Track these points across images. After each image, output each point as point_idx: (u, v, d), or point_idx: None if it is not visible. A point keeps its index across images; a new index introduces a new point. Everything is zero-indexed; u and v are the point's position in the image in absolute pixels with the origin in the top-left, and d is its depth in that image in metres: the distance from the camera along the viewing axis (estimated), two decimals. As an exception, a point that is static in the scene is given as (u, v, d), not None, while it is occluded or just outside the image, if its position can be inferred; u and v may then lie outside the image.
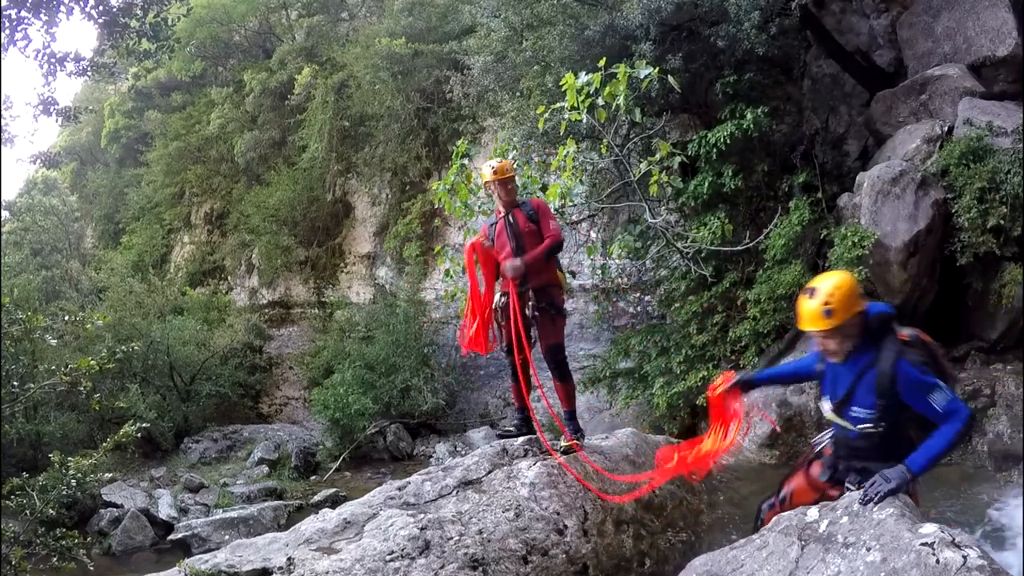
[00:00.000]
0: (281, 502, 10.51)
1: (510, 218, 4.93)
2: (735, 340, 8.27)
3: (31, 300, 13.62)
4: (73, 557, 4.45)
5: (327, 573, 3.49)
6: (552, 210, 6.93)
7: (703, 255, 8.19)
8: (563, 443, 4.75)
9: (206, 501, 10.90)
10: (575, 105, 6.51)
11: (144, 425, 5.17)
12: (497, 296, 5.00)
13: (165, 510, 10.26)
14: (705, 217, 8.37)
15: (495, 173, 4.95)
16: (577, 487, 4.32)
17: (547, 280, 4.83)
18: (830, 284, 3.21)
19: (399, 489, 4.33)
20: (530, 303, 4.80)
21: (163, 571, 3.77)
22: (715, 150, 8.29)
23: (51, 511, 4.47)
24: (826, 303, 3.16)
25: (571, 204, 8.70)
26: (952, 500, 6.33)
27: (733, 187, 8.38)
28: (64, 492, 4.68)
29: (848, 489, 3.37)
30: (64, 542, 4.40)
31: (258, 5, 20.08)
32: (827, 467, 3.58)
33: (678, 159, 7.51)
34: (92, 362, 4.64)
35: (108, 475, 5.85)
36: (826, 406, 3.43)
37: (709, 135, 8.36)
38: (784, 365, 3.81)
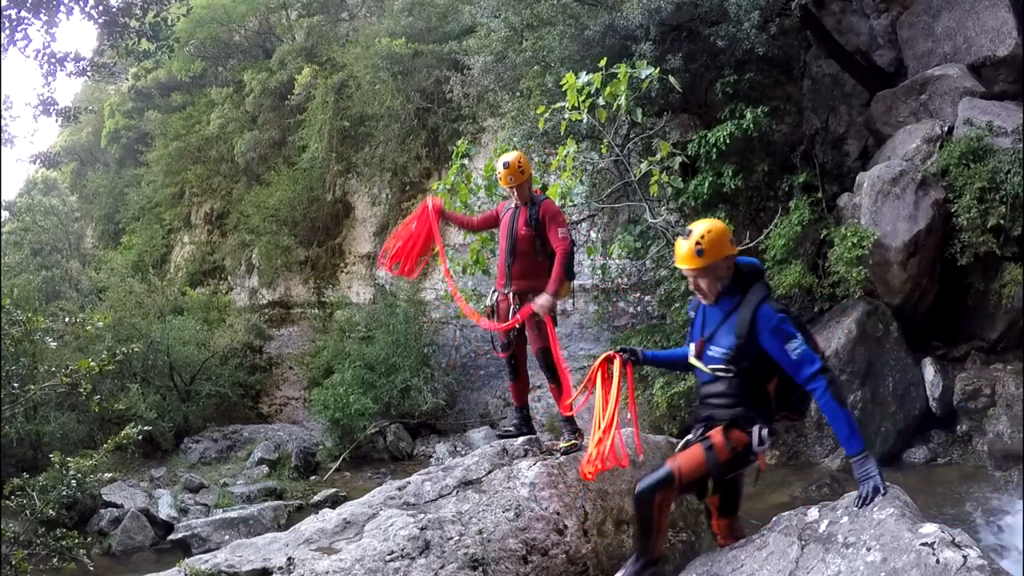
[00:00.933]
0: (281, 502, 10.51)
1: (516, 214, 4.83)
2: (735, 340, 8.26)
3: (31, 300, 13.62)
4: (73, 557, 4.45)
5: (327, 573, 3.49)
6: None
7: (703, 255, 8.18)
8: (563, 444, 4.75)
9: (206, 501, 10.90)
10: (575, 105, 6.51)
11: (146, 428, 5.17)
12: (491, 294, 4.99)
13: (165, 510, 10.26)
14: (705, 217, 8.37)
15: (501, 180, 4.80)
16: (577, 487, 4.31)
17: (532, 286, 4.68)
18: (703, 227, 3.34)
19: (399, 489, 4.32)
20: (512, 307, 4.77)
21: (163, 571, 3.76)
22: (715, 150, 8.29)
23: (51, 511, 4.47)
24: (697, 243, 3.28)
25: (571, 204, 8.69)
26: (952, 500, 6.34)
27: (733, 187, 8.38)
28: (64, 492, 4.68)
29: (690, 440, 3.39)
30: (64, 542, 4.40)
31: (258, 5, 20.08)
32: (694, 424, 3.55)
33: (678, 159, 7.52)
34: (92, 364, 4.64)
35: (108, 475, 5.86)
36: (691, 349, 3.51)
37: (709, 135, 8.37)
38: (675, 350, 3.84)
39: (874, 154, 9.01)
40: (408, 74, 14.47)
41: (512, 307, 4.79)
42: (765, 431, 3.30)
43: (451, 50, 14.12)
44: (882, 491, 2.99)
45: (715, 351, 3.35)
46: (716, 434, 3.30)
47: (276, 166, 17.70)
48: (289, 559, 3.59)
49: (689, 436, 3.47)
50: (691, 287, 3.49)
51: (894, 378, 7.56)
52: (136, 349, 6.70)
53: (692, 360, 3.48)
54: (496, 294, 4.93)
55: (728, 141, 8.19)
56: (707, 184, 8.50)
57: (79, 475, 4.61)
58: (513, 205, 4.88)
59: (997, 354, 7.64)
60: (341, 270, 16.94)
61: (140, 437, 4.89)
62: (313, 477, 12.09)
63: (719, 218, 8.01)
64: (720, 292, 3.37)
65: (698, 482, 3.33)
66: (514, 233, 4.79)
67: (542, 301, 4.59)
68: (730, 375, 3.31)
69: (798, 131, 9.49)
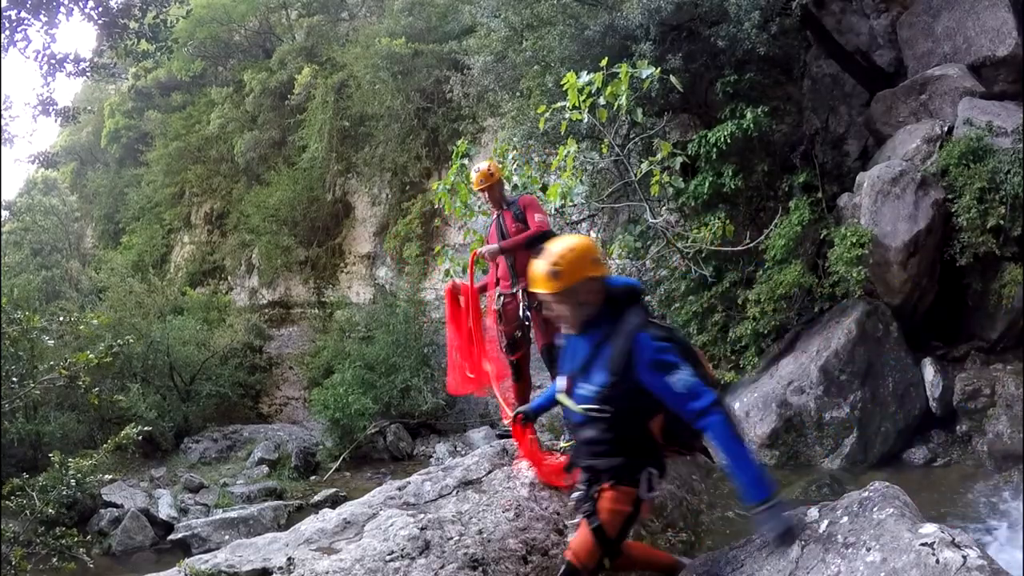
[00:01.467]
0: (281, 502, 10.51)
1: (500, 219, 4.99)
2: (735, 340, 8.27)
3: (31, 300, 13.63)
4: (73, 556, 4.45)
5: (327, 573, 3.48)
6: (552, 209, 6.97)
7: (703, 255, 8.20)
8: (563, 443, 4.76)
9: (206, 501, 10.91)
10: (576, 105, 6.50)
11: (146, 429, 5.19)
12: (497, 299, 5.02)
13: (165, 510, 10.26)
14: (705, 217, 8.37)
15: (474, 185, 5.09)
16: (577, 487, 4.32)
17: None
18: (562, 246, 2.94)
19: (399, 489, 4.32)
20: (522, 303, 4.80)
21: (163, 571, 3.75)
22: (715, 150, 8.29)
23: (51, 511, 4.48)
24: (554, 264, 2.88)
25: (571, 204, 8.69)
26: (952, 500, 6.34)
27: (733, 187, 8.37)
28: (64, 492, 4.69)
29: (577, 492, 3.09)
30: (64, 541, 4.40)
31: (258, 5, 20.10)
32: (575, 465, 3.21)
33: (679, 159, 7.51)
34: (90, 356, 4.65)
35: (108, 476, 5.87)
36: (559, 384, 3.08)
37: (709, 135, 8.37)
38: (549, 391, 3.41)
39: (874, 154, 9.01)
40: (408, 74, 14.48)
41: (521, 305, 4.84)
42: (655, 476, 2.96)
43: (451, 50, 14.13)
44: (796, 534, 2.81)
45: (586, 389, 2.89)
46: (603, 506, 2.94)
47: (276, 166, 17.72)
48: (289, 559, 3.59)
49: (575, 495, 3.14)
50: (547, 313, 3.15)
51: (894, 378, 7.55)
52: (132, 342, 6.70)
53: (560, 398, 3.05)
54: (502, 297, 4.96)
55: (728, 141, 8.18)
56: (707, 184, 8.49)
57: (79, 475, 4.61)
58: (494, 215, 5.07)
59: (997, 354, 7.63)
60: (341, 270, 16.95)
61: (140, 437, 4.90)
62: (313, 477, 12.10)
63: (719, 218, 8.06)
64: (587, 320, 2.94)
65: (603, 559, 3.03)
66: (506, 234, 4.90)
67: (486, 247, 4.87)
68: (605, 415, 2.87)
69: (798, 131, 9.49)
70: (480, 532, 3.88)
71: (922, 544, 2.65)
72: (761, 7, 8.00)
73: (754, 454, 2.82)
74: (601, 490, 2.96)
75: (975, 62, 8.59)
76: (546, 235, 4.89)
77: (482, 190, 5.03)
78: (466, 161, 7.65)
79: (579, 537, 3.05)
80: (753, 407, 7.67)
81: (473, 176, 5.10)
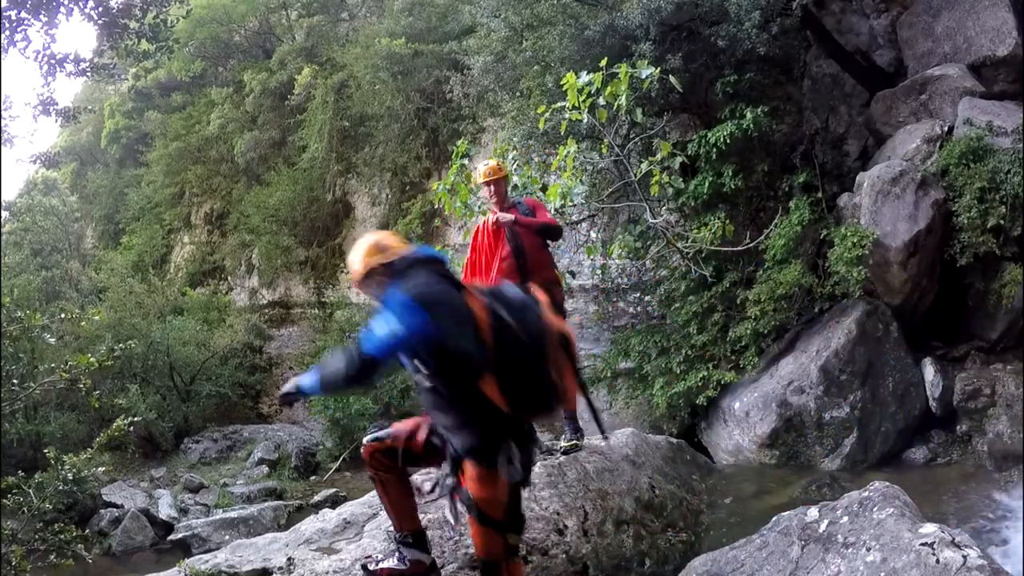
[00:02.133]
0: (281, 502, 10.51)
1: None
2: (735, 340, 8.27)
3: (31, 300, 13.64)
4: (72, 552, 4.45)
5: (327, 573, 3.49)
6: (552, 209, 7.01)
7: (703, 255, 8.19)
8: (563, 443, 4.76)
9: (206, 501, 10.91)
10: (576, 105, 6.50)
11: (136, 419, 5.20)
12: None
13: (165, 510, 10.26)
14: (705, 217, 8.37)
15: (482, 177, 5.11)
16: (577, 487, 4.32)
17: (547, 277, 4.88)
18: (359, 242, 3.12)
19: (399, 489, 4.32)
20: None
21: (163, 571, 3.76)
22: (715, 150, 8.28)
23: (48, 506, 4.48)
24: (350, 263, 3.09)
25: (571, 204, 8.69)
26: (952, 500, 6.34)
27: (733, 187, 8.37)
28: (61, 488, 4.69)
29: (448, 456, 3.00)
30: (63, 536, 4.41)
31: (258, 5, 20.11)
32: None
33: (678, 159, 7.50)
34: (92, 359, 4.65)
35: (102, 469, 5.88)
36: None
37: (709, 135, 8.36)
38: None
39: (874, 154, 9.00)
40: (408, 74, 14.48)
41: None
42: (514, 451, 2.83)
43: (451, 50, 14.13)
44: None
45: (407, 361, 2.84)
46: (471, 488, 2.86)
47: (276, 166, 17.73)
48: (289, 559, 3.60)
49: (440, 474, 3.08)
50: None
51: (894, 378, 7.55)
52: (135, 344, 6.72)
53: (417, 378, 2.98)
54: None
55: (728, 141, 8.17)
56: (707, 184, 8.48)
57: (75, 469, 4.62)
58: (497, 214, 5.07)
59: (997, 354, 7.61)
60: (341, 270, 16.94)
61: (140, 436, 4.92)
62: (313, 477, 12.09)
63: (719, 218, 8.06)
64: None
65: (508, 537, 2.96)
66: (515, 231, 4.90)
67: (501, 214, 4.90)
68: (433, 384, 2.81)
69: (798, 131, 9.47)
70: (480, 532, 3.88)
71: (922, 544, 2.66)
72: (761, 7, 7.99)
73: (329, 384, 2.90)
74: (470, 479, 2.87)
75: (975, 62, 8.58)
76: (558, 229, 5.03)
77: (488, 183, 5.04)
78: (466, 161, 7.66)
79: (471, 530, 2.99)
80: (753, 407, 7.66)
81: (481, 169, 5.15)
